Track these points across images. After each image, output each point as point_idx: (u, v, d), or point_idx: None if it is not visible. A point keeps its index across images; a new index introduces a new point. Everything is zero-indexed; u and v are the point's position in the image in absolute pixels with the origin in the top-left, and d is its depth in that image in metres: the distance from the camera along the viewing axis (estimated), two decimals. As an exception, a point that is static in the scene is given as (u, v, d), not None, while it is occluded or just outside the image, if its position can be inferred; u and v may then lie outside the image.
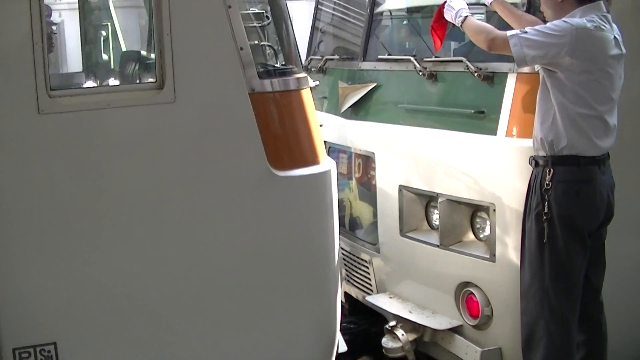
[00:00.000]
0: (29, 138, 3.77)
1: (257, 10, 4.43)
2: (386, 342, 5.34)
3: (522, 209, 4.51)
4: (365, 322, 5.92)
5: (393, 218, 5.46)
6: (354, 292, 6.10)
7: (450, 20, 4.75)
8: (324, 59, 6.45)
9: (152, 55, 4.32)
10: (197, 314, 4.07)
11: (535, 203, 4.38)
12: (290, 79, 4.23)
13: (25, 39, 3.70)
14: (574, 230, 4.36)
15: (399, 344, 5.26)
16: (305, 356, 4.36)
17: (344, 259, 6.10)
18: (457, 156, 5.02)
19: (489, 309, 4.91)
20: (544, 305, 4.39)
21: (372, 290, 5.84)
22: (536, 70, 4.50)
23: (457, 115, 5.04)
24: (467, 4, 4.75)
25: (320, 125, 4.41)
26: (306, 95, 4.27)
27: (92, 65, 7.26)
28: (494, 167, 4.79)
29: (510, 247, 4.72)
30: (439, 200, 5.11)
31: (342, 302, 6.17)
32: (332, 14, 6.77)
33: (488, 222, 4.89)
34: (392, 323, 5.35)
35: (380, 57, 5.76)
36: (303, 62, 6.58)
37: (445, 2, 4.78)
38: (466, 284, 5.02)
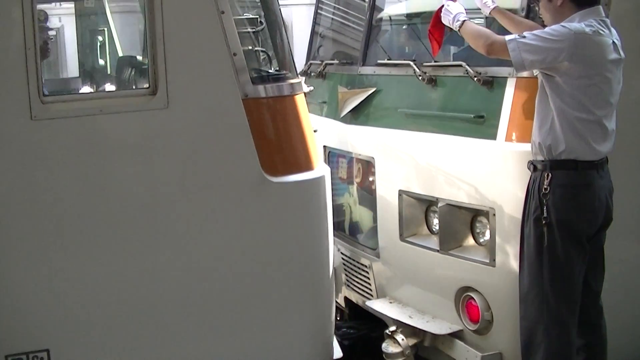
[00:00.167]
0: (22, 144, 3.78)
1: (250, 16, 4.43)
2: (386, 347, 5.31)
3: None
4: (365, 327, 5.92)
5: (393, 223, 5.43)
6: (354, 297, 6.08)
7: (448, 25, 4.72)
8: (323, 63, 6.43)
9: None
10: (190, 320, 4.07)
11: (534, 207, 4.35)
12: (283, 85, 4.23)
13: (18, 44, 3.70)
14: (573, 234, 4.33)
15: (399, 349, 5.23)
16: (300, 361, 4.35)
17: (344, 264, 6.09)
18: (457, 161, 4.99)
19: (489, 313, 4.88)
20: (543, 310, 4.36)
21: (372, 295, 5.81)
22: (535, 74, 4.47)
23: (456, 120, 5.02)
24: (466, 10, 4.72)
25: (315, 131, 4.39)
26: (300, 100, 4.27)
27: (88, 70, 7.27)
28: (493, 172, 4.77)
29: (510, 252, 4.70)
30: (439, 205, 5.08)
31: (342, 307, 6.17)
32: (332, 19, 6.77)
33: (488, 227, 4.86)
34: (392, 328, 5.32)
35: (379, 61, 5.75)
36: (303, 66, 6.60)
37: (443, 6, 4.75)
38: (466, 288, 5.00)
